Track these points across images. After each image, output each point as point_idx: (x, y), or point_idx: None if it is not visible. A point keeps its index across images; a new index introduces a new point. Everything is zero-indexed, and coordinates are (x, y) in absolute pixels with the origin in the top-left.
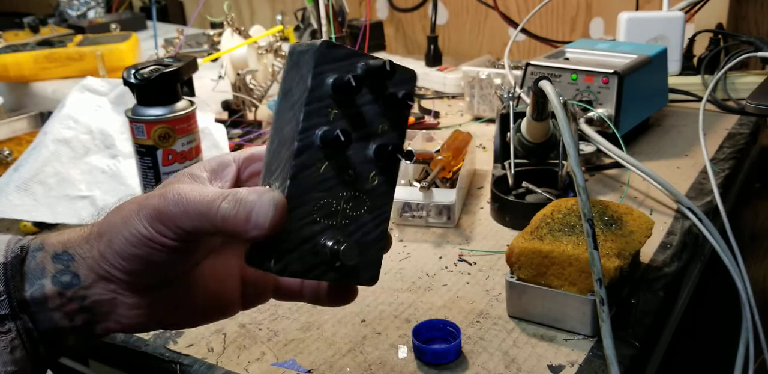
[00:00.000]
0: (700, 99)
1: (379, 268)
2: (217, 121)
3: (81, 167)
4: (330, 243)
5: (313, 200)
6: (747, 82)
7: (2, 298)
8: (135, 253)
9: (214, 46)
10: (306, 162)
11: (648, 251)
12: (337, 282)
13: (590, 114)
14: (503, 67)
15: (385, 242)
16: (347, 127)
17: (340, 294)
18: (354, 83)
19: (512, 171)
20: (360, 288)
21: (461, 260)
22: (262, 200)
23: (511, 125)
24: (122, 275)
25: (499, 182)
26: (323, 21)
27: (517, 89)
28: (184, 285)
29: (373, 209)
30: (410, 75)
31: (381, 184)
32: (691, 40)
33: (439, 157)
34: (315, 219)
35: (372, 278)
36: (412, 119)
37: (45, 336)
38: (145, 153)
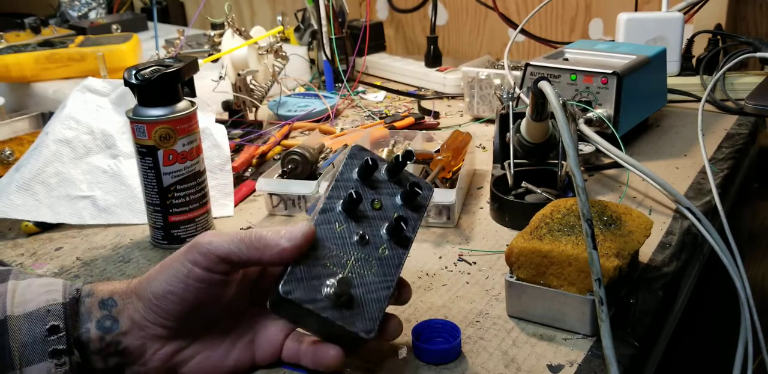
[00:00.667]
0: (699, 99)
1: (376, 324)
2: (218, 121)
3: (82, 167)
4: (334, 281)
5: (327, 248)
6: (746, 83)
7: (62, 334)
8: (170, 290)
9: (214, 46)
10: (327, 219)
11: (647, 251)
12: (333, 325)
13: (589, 114)
14: (503, 67)
15: (386, 304)
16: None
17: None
18: (371, 163)
19: (512, 171)
20: None
21: (461, 260)
22: (294, 226)
23: (511, 125)
24: (157, 319)
25: (498, 182)
26: (323, 21)
27: (517, 90)
28: (211, 341)
29: (379, 274)
30: (429, 187)
31: (391, 257)
32: (690, 41)
33: (439, 157)
34: (326, 264)
35: (368, 331)
36: (412, 120)
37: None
38: (146, 153)
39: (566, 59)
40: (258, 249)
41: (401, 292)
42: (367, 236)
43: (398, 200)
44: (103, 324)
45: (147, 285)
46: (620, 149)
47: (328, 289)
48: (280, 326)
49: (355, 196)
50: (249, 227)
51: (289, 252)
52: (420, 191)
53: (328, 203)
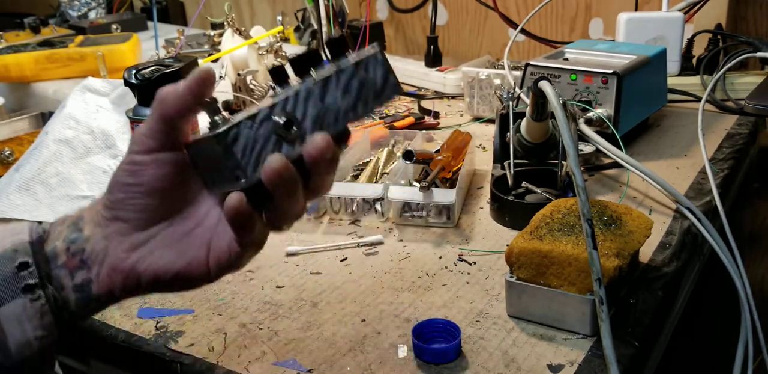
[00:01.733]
0: (699, 99)
1: (227, 125)
2: None
3: (82, 167)
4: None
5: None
6: (746, 83)
7: (31, 269)
8: (120, 181)
9: (214, 46)
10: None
11: (647, 251)
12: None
13: (589, 114)
14: (503, 67)
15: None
16: None
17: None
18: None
19: (512, 171)
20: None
21: (461, 260)
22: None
23: (511, 125)
24: (108, 213)
25: (498, 182)
26: (323, 22)
27: (517, 90)
28: (177, 225)
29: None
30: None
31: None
32: (690, 41)
33: (439, 157)
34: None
35: (218, 134)
36: (412, 120)
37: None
38: None
39: (566, 59)
40: (160, 102)
41: (312, 138)
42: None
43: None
44: (69, 237)
45: (107, 188)
46: (620, 149)
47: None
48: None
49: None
50: None
51: (188, 94)
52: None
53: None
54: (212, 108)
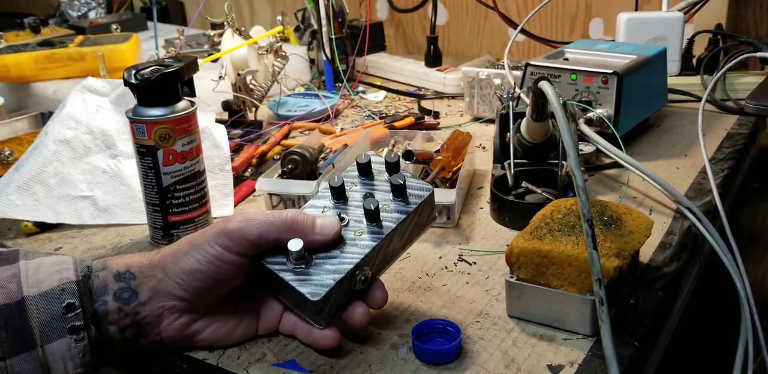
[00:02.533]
0: (699, 99)
1: (325, 290)
2: (218, 121)
3: (82, 167)
4: (299, 248)
5: None
6: (746, 83)
7: (78, 311)
8: (199, 269)
9: (214, 46)
10: (316, 204)
11: (647, 251)
12: (287, 286)
13: (590, 114)
14: (503, 67)
15: (344, 277)
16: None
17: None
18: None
19: (512, 171)
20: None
21: (461, 260)
22: (325, 218)
23: (511, 125)
24: (180, 293)
25: (498, 182)
26: (323, 21)
27: (517, 90)
28: (223, 312)
29: (345, 251)
30: (424, 187)
31: (364, 240)
32: (691, 41)
33: (439, 157)
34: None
35: (314, 294)
36: (412, 119)
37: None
38: (145, 153)
39: (566, 59)
40: (293, 231)
41: (373, 292)
42: (346, 219)
43: (391, 195)
44: (121, 296)
45: (175, 260)
46: (620, 149)
47: (292, 255)
48: (279, 301)
49: (339, 183)
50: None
51: (317, 244)
52: (402, 182)
53: (323, 192)
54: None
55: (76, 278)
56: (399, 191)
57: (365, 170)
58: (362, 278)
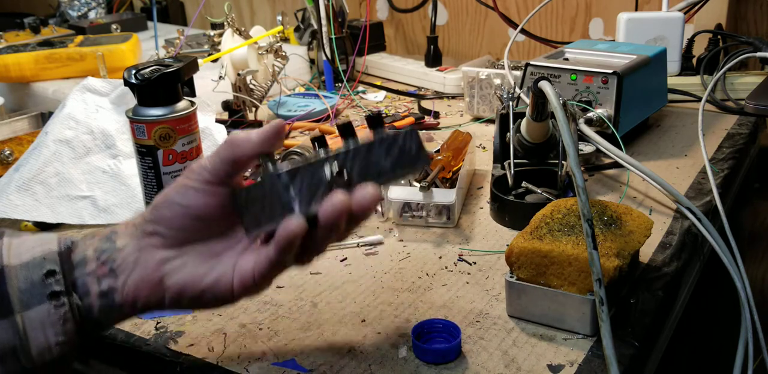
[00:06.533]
0: (699, 99)
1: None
2: (218, 121)
3: (82, 167)
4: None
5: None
6: (746, 83)
7: (58, 277)
8: (170, 199)
9: (214, 46)
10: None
11: (647, 251)
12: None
13: (590, 114)
14: (503, 67)
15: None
16: None
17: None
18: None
19: (512, 171)
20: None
21: (461, 260)
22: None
23: (511, 125)
24: (153, 227)
25: (498, 182)
26: (323, 21)
27: (517, 90)
28: (209, 245)
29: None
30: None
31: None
32: (691, 41)
33: (439, 157)
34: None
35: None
36: (412, 119)
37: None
38: (145, 153)
39: (566, 59)
40: (232, 146)
41: (359, 189)
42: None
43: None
44: (101, 247)
45: (152, 207)
46: (620, 149)
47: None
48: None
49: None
50: None
51: (259, 144)
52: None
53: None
54: (271, 157)
55: (58, 249)
56: (376, 123)
57: (347, 133)
58: (335, 170)
